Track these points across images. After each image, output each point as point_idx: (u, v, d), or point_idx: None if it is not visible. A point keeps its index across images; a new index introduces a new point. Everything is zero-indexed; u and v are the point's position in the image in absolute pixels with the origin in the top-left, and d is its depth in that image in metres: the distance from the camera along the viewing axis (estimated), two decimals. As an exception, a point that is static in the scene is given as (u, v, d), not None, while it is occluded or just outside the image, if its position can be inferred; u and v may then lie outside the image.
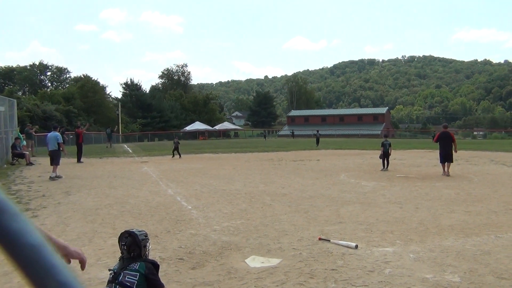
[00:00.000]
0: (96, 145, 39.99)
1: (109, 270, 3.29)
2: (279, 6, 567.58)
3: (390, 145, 16.32)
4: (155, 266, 3.26)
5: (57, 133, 14.68)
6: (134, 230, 3.34)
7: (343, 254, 5.39)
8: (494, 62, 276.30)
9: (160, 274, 3.36)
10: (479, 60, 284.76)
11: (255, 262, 5.15)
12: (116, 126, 46.54)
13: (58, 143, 14.12)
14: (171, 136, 60.16)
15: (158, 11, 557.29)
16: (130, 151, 31.50)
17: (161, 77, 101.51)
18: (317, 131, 42.56)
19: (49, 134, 14.64)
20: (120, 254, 3.31)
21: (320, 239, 6.06)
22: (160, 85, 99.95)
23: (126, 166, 18.84)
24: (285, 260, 5.19)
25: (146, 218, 7.75)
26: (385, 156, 16.21)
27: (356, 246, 5.61)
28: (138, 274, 3.12)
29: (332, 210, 8.35)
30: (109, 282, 3.18)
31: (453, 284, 4.34)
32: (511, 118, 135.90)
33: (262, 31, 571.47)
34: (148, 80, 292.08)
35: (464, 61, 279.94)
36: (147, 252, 3.33)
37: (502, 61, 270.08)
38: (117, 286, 3.12)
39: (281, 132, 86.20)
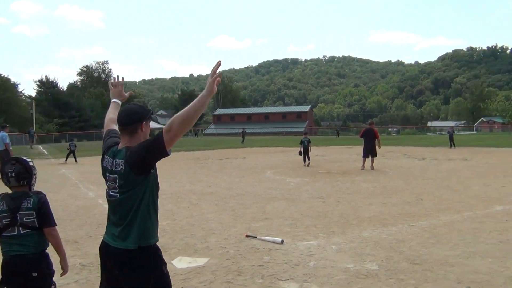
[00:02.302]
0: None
1: None
2: (203, 4, 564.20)
3: (309, 141, 16.95)
4: (45, 197, 3.02)
5: (4, 133, 13.51)
6: (21, 157, 3.06)
7: (270, 250, 5.49)
8: (406, 63, 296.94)
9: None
10: (392, 61, 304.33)
11: (182, 263, 5.07)
12: (31, 126, 43.56)
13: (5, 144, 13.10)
14: (91, 137, 57.52)
15: (77, 5, 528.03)
16: (46, 152, 29.67)
17: (79, 74, 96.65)
18: (243, 129, 43.10)
19: None
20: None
21: (247, 236, 6.12)
22: (78, 83, 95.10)
23: (42, 168, 17.66)
24: (212, 259, 5.17)
25: (65, 223, 7.30)
26: (305, 152, 16.80)
27: (282, 241, 5.74)
28: (34, 212, 2.89)
29: (258, 207, 8.47)
30: (7, 226, 2.86)
31: (372, 272, 4.59)
32: (421, 115, 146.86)
33: (186, 28, 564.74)
34: (66, 78, 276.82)
35: (379, 62, 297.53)
36: (34, 182, 3.06)
37: (413, 62, 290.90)
38: (20, 228, 2.87)
39: (207, 131, 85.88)
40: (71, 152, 21.06)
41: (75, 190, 11.36)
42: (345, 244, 5.68)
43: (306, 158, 16.92)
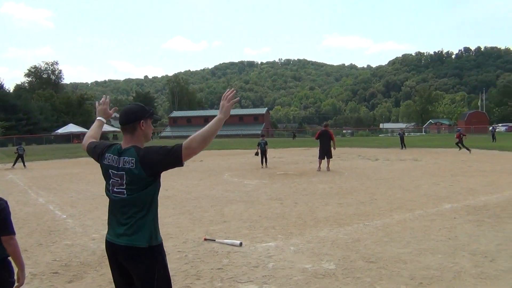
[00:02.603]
0: None
1: None
2: (158, 4, 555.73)
3: (266, 143, 17.18)
4: (6, 206, 2.83)
5: None
6: None
7: (229, 253, 5.47)
8: (359, 66, 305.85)
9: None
10: (346, 64, 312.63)
11: (139, 268, 4.95)
12: None
13: None
14: (40, 140, 55.21)
15: (23, 3, 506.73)
16: (-8, 157, 28.15)
17: (27, 75, 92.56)
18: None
19: None
20: None
21: (205, 239, 6.07)
22: (26, 84, 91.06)
23: (-13, 174, 16.78)
24: (170, 264, 5.04)
25: (13, 231, 6.97)
26: (262, 154, 16.99)
27: (241, 244, 5.73)
28: None
29: (216, 210, 8.43)
30: None
31: (329, 271, 4.68)
32: (373, 117, 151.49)
33: (141, 29, 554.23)
34: (12, 79, 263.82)
35: (333, 65, 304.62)
36: None
37: (365, 66, 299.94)
38: None
39: (163, 134, 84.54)
40: (19, 157, 20.11)
41: (23, 196, 10.86)
42: (303, 245, 5.75)
43: (264, 160, 17.08)
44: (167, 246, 5.82)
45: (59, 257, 5.52)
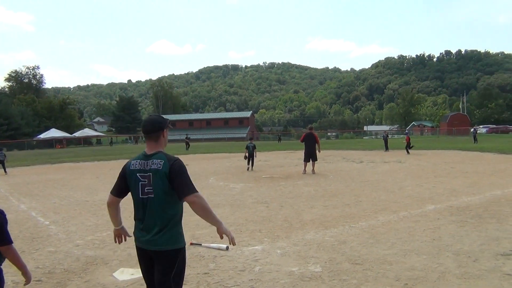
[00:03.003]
0: None
1: None
2: (142, 8, 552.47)
3: (254, 147, 17.27)
4: (2, 214, 2.83)
5: None
6: None
7: (215, 257, 5.44)
8: (342, 69, 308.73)
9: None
10: (330, 68, 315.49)
11: (124, 274, 4.90)
12: None
13: None
14: (22, 145, 54.30)
15: (3, 6, 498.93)
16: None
17: (7, 80, 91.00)
18: (187, 135, 42.71)
19: None
20: None
21: (191, 244, 6.03)
22: (7, 89, 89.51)
23: (-33, 181, 16.42)
24: (156, 269, 5.03)
25: (-6, 239, 6.83)
26: (250, 157, 17.06)
27: (227, 248, 5.71)
28: None
29: (202, 214, 8.37)
30: None
31: (316, 274, 4.69)
32: (358, 120, 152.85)
33: (124, 32, 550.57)
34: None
35: (317, 68, 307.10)
36: None
37: (349, 69, 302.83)
38: None
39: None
40: (0, 163, 19.72)
41: (4, 202, 10.64)
42: (289, 248, 5.75)
43: (251, 162, 17.18)
44: (153, 251, 5.77)
45: (42, 264, 5.42)
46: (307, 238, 6.23)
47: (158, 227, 2.94)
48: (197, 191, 2.94)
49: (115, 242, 3.45)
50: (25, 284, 3.03)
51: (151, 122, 3.08)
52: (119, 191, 3.22)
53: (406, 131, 38.31)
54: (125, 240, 3.44)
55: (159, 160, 2.96)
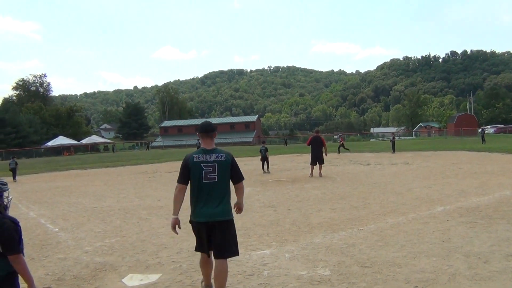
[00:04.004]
0: None
1: None
2: (146, 14, 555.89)
3: (266, 150, 17.82)
4: (15, 224, 2.89)
5: None
6: None
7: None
8: (348, 72, 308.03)
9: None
10: (335, 70, 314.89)
11: (133, 280, 4.91)
12: None
13: None
14: (30, 153, 54.70)
15: (11, 17, 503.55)
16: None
17: (15, 88, 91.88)
18: (198, 141, 42.87)
19: None
20: None
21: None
22: (14, 98, 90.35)
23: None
24: (165, 275, 5.05)
25: (4, 246, 6.88)
26: (264, 160, 17.60)
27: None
28: None
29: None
30: None
31: (325, 278, 4.67)
32: (364, 122, 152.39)
33: (129, 39, 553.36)
34: (0, 93, 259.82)
35: (322, 71, 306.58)
36: (6, 204, 2.95)
37: (354, 71, 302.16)
38: None
39: (154, 144, 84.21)
40: (12, 170, 20.44)
41: (14, 210, 10.70)
42: (298, 251, 5.73)
43: (266, 165, 17.85)
44: (161, 256, 5.79)
45: (51, 271, 5.45)
46: (316, 242, 6.20)
47: (218, 204, 3.97)
48: (243, 178, 4.27)
49: (173, 229, 4.18)
50: None
51: (210, 125, 4.20)
52: (186, 179, 4.06)
53: (341, 133, 45.92)
54: (180, 228, 4.17)
55: (221, 154, 4.03)
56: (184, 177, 4.05)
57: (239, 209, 4.29)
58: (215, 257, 4.01)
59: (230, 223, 4.03)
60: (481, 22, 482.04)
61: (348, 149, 31.23)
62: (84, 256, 6.07)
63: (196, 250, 4.22)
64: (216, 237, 3.96)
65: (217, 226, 3.94)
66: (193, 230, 4.15)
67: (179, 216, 4.11)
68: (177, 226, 4.13)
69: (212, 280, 4.15)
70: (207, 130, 4.10)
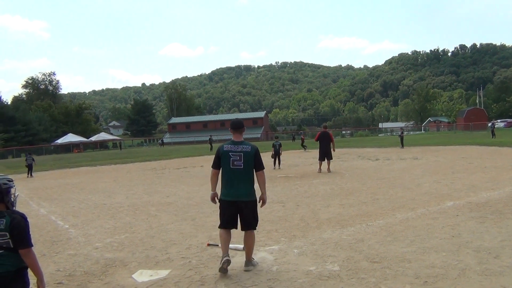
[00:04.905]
0: None
1: None
2: (154, 12, 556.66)
3: (280, 145, 17.80)
4: (24, 219, 2.93)
5: None
6: None
7: (232, 257, 5.44)
8: (355, 67, 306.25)
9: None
10: (343, 66, 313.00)
11: (142, 276, 4.95)
12: None
13: None
14: (40, 151, 55.17)
15: (19, 15, 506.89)
16: (-8, 170, 28.12)
17: (25, 86, 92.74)
18: (210, 136, 43.07)
19: None
20: None
21: (208, 245, 6.07)
22: (24, 96, 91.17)
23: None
24: (174, 270, 5.08)
25: (16, 243, 6.96)
26: (276, 155, 17.59)
27: (244, 248, 5.71)
28: (7, 234, 2.82)
29: (218, 215, 8.39)
30: None
31: (334, 273, 4.67)
32: (372, 117, 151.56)
33: (136, 37, 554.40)
34: (10, 91, 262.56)
35: (330, 67, 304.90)
36: (12, 200, 2.99)
37: (362, 66, 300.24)
38: None
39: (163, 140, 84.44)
40: (28, 166, 21.47)
41: (25, 207, 10.82)
42: (307, 247, 5.74)
43: (277, 161, 17.79)
44: (171, 252, 5.83)
45: (62, 267, 5.51)
46: (324, 237, 6.20)
47: (243, 187, 4.87)
48: (264, 168, 5.06)
49: (212, 201, 5.15)
50: None
51: (239, 122, 5.15)
52: (218, 165, 4.99)
53: (301, 131, 50.56)
54: (217, 199, 5.04)
55: (247, 146, 4.93)
56: (216, 163, 4.99)
57: (263, 202, 5.04)
58: (242, 229, 4.99)
59: (253, 203, 4.95)
60: (491, 15, 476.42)
61: (305, 146, 31.70)
62: (94, 252, 6.12)
63: (219, 227, 5.03)
64: (242, 214, 4.89)
65: (243, 206, 4.85)
66: (220, 208, 5.00)
67: (215, 191, 5.12)
68: (215, 198, 5.09)
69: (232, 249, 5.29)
70: (237, 127, 5.03)
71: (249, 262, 5.05)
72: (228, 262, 4.70)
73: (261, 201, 5.04)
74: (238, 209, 4.87)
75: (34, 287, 3.11)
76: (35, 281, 3.04)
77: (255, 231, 5.09)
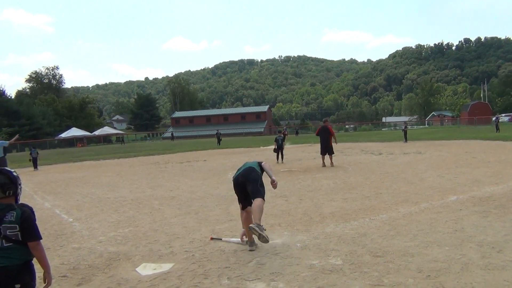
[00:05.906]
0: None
1: None
2: (157, 5, 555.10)
3: (283, 140, 17.76)
4: (31, 211, 2.98)
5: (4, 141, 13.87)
6: (4, 167, 3.05)
7: (235, 251, 5.47)
8: (359, 61, 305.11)
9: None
10: (346, 59, 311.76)
11: (146, 269, 4.98)
12: None
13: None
14: (44, 145, 55.39)
15: (23, 9, 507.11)
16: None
17: (28, 81, 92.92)
18: (218, 131, 42.89)
19: None
20: None
21: (212, 238, 6.09)
22: (28, 90, 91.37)
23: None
24: (177, 264, 5.10)
25: (20, 236, 7.00)
26: (279, 149, 17.56)
27: (247, 242, 5.73)
28: (17, 226, 2.86)
29: (222, 209, 8.44)
30: None
31: (337, 267, 4.68)
32: (376, 111, 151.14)
33: (139, 31, 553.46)
34: (13, 85, 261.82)
35: (333, 60, 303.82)
36: (20, 192, 3.05)
37: (366, 60, 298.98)
38: (4, 241, 2.84)
39: (166, 135, 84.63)
40: (33, 160, 21.99)
41: (29, 201, 10.88)
42: (309, 241, 5.75)
43: (280, 156, 17.80)
44: (174, 246, 5.85)
45: (67, 260, 5.54)
46: (327, 231, 6.21)
47: (250, 171, 5.65)
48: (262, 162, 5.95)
49: None
50: (45, 287, 3.06)
51: None
52: None
53: (284, 127, 53.32)
54: None
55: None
56: None
57: (274, 185, 6.07)
58: (252, 199, 5.45)
59: (259, 177, 5.70)
60: (495, 9, 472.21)
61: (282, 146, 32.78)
62: (98, 246, 6.16)
63: (240, 206, 5.83)
64: (248, 187, 5.52)
65: (246, 182, 5.55)
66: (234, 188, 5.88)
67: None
68: None
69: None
70: None
71: (252, 242, 5.45)
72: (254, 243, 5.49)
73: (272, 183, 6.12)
74: (245, 184, 5.71)
75: (40, 280, 3.13)
76: (40, 274, 3.07)
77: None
